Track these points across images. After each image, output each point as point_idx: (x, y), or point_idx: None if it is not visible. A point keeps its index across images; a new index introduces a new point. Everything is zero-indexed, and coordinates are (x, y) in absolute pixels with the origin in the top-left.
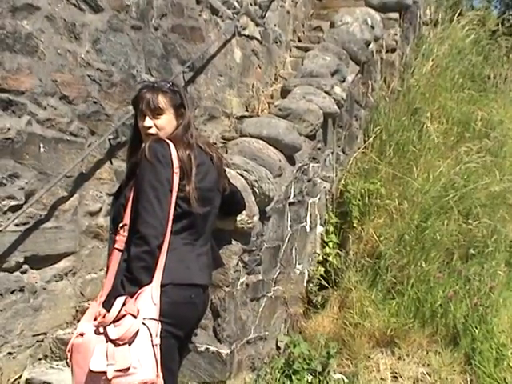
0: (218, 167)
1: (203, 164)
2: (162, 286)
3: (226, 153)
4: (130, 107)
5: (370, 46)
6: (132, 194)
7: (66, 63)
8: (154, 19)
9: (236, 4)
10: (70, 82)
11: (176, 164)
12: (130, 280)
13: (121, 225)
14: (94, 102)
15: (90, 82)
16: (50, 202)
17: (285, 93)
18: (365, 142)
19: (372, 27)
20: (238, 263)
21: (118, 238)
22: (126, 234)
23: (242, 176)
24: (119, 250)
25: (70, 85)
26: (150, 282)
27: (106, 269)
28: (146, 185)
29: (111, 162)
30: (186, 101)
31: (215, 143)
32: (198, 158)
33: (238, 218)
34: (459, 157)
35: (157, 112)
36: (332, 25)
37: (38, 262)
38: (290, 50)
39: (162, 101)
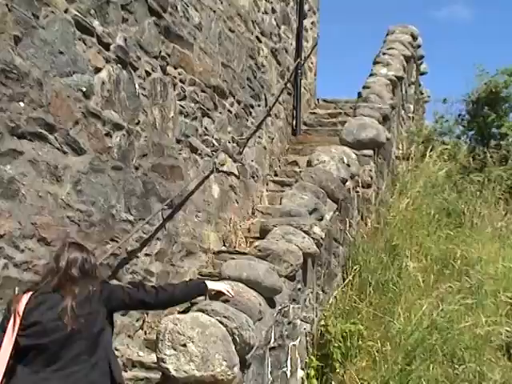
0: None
1: (44, 302)
2: None
3: (205, 297)
4: (109, 246)
5: (347, 184)
6: None
7: (47, 205)
8: (135, 159)
9: (214, 142)
10: (49, 224)
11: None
12: None
13: None
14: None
15: (69, 222)
16: None
17: (264, 232)
18: (344, 279)
19: (348, 165)
20: None
21: None
22: None
23: (221, 323)
24: None
25: (48, 227)
26: None
27: None
28: None
29: None
30: None
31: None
32: (40, 298)
33: (218, 370)
34: (440, 296)
35: None
36: (309, 163)
37: None
38: (267, 184)
39: None
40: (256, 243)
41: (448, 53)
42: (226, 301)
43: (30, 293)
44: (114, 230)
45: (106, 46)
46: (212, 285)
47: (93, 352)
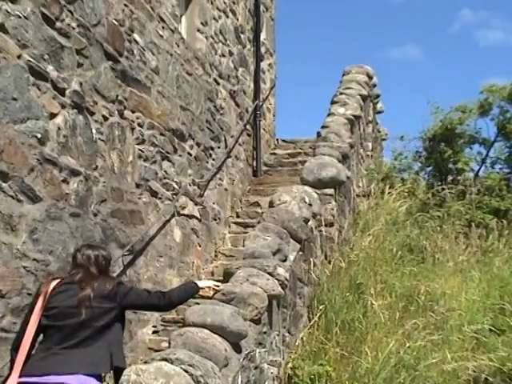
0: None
1: (66, 290)
2: None
3: (169, 345)
4: None
5: (309, 223)
6: None
7: (1, 256)
8: (94, 205)
9: (175, 185)
10: (4, 275)
11: (41, 293)
12: None
13: None
14: (29, 294)
15: (26, 273)
16: None
17: (228, 275)
18: (310, 320)
19: (310, 204)
20: None
21: None
22: None
23: (186, 372)
24: None
25: (3, 278)
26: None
27: None
28: None
29: None
30: None
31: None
32: (64, 287)
33: None
34: (406, 333)
35: None
36: (271, 204)
37: None
38: (229, 226)
39: None
40: (220, 287)
41: (403, 91)
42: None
43: (58, 280)
44: None
45: (62, 91)
46: (201, 284)
47: (98, 339)
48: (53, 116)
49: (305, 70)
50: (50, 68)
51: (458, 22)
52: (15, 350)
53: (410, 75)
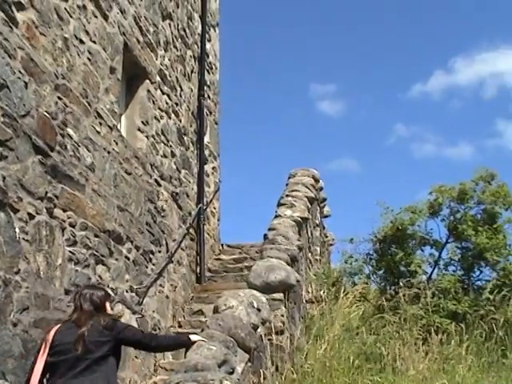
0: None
1: (67, 329)
2: None
3: None
4: None
5: (258, 330)
6: None
7: None
8: (13, 314)
9: (110, 292)
10: None
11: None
12: None
13: None
14: None
15: None
16: None
17: None
18: None
19: (258, 309)
20: None
21: None
22: None
23: None
24: None
25: None
26: None
27: None
28: None
29: None
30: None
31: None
32: (64, 326)
33: None
34: None
35: None
36: (216, 309)
37: None
38: None
39: None
40: None
41: (346, 202)
42: None
43: (59, 324)
44: None
45: None
46: (194, 338)
47: (94, 371)
48: None
49: (251, 177)
50: None
51: (393, 136)
52: None
53: (349, 187)
